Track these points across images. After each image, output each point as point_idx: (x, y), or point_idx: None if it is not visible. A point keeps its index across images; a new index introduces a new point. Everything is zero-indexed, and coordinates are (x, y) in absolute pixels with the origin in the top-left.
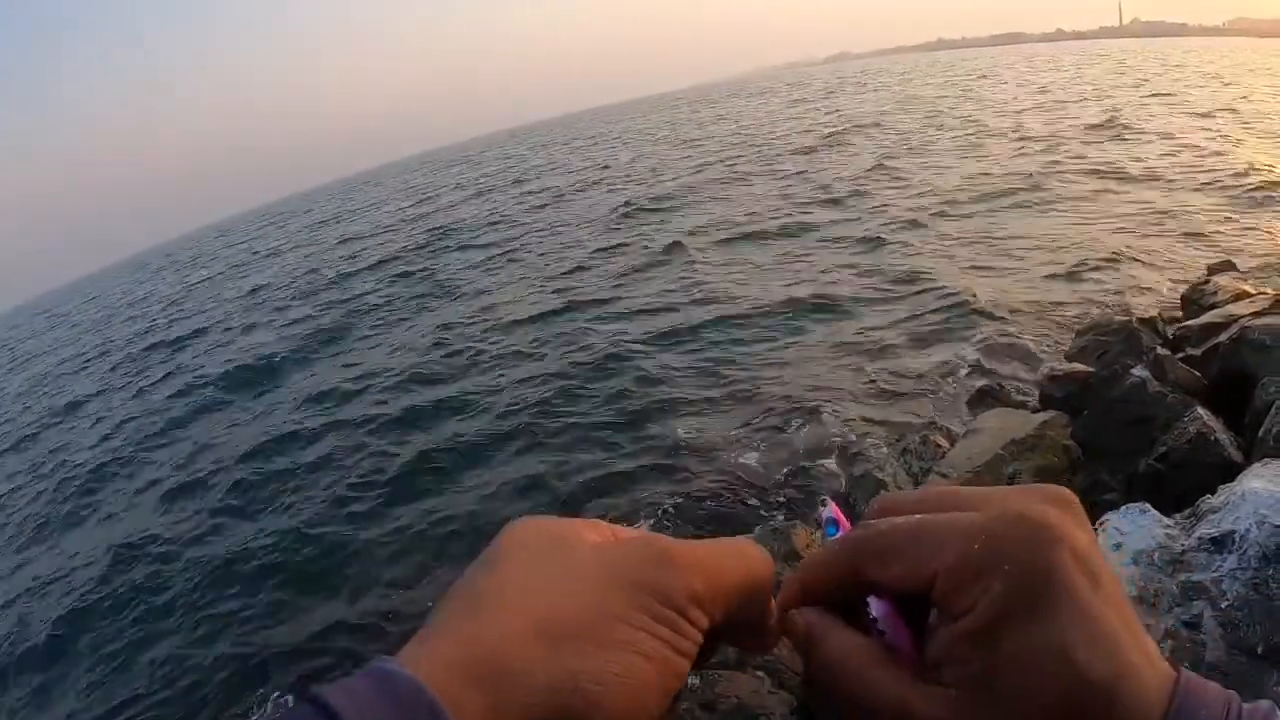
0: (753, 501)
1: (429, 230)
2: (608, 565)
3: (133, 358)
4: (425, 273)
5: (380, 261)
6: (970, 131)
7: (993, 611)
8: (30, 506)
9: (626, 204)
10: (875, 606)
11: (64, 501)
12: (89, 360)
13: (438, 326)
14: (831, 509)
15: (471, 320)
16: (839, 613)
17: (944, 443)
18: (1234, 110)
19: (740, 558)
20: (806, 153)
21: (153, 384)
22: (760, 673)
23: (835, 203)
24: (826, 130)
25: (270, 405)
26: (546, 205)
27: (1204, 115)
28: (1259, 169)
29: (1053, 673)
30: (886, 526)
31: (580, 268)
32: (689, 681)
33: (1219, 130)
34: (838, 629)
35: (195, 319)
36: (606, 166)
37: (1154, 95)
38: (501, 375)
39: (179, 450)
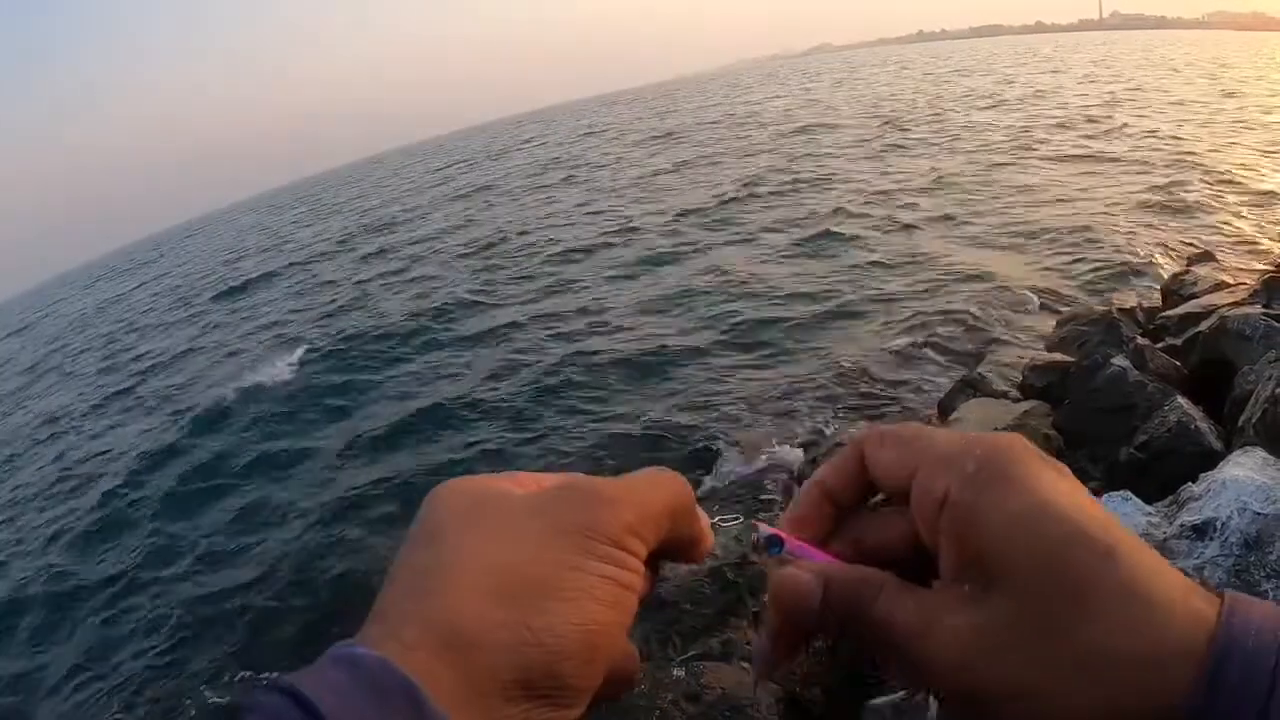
0: (725, 490)
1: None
2: (545, 515)
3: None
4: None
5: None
6: None
7: (967, 484)
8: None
9: None
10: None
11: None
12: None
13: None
14: (765, 530)
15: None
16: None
17: None
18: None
19: (661, 483)
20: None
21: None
22: (745, 664)
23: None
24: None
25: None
26: None
27: None
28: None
29: (1039, 529)
30: (892, 424)
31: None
32: (673, 673)
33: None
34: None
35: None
36: None
37: None
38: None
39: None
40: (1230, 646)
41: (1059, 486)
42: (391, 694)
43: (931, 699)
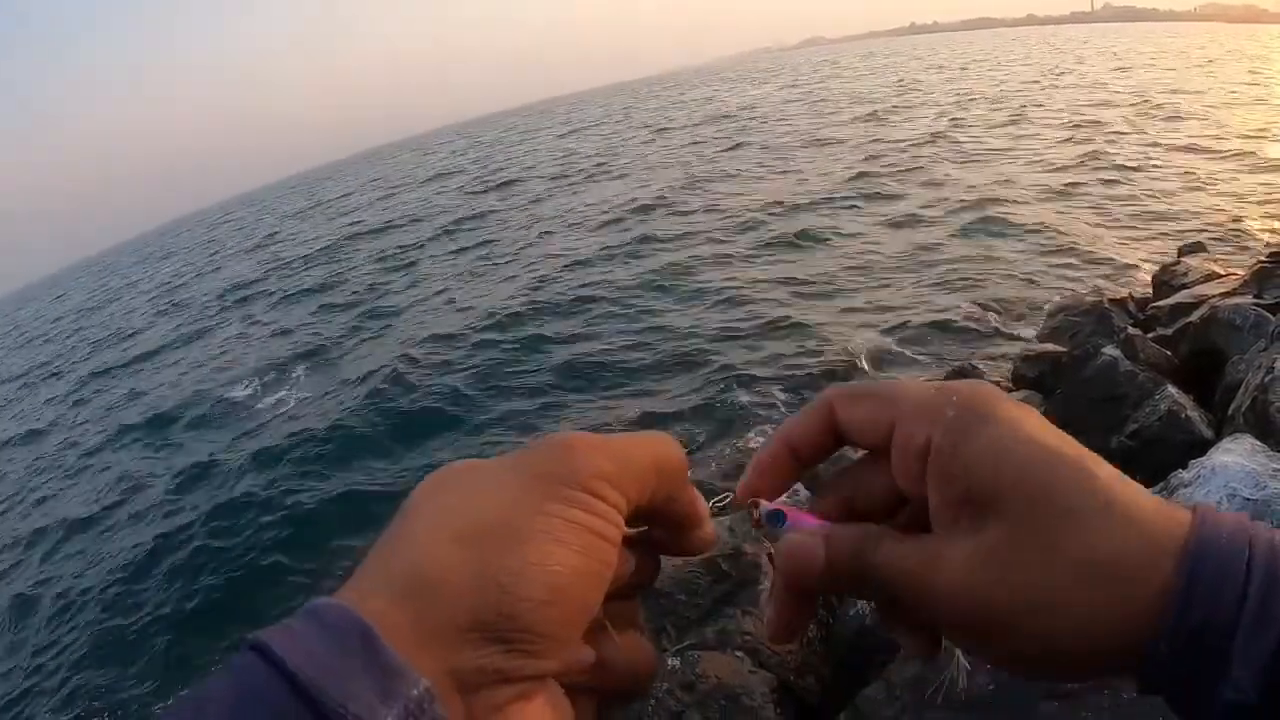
0: (707, 482)
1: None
2: (515, 467)
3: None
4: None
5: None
6: None
7: (949, 429)
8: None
9: None
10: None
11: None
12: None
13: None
14: (767, 506)
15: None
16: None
17: None
18: None
19: (647, 438)
20: None
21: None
22: (740, 653)
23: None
24: None
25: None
26: None
27: None
28: None
29: (1023, 456)
30: (861, 381)
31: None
32: (669, 663)
33: None
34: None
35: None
36: None
37: None
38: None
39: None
40: (1203, 548)
41: (1035, 422)
42: (347, 636)
43: (959, 657)
